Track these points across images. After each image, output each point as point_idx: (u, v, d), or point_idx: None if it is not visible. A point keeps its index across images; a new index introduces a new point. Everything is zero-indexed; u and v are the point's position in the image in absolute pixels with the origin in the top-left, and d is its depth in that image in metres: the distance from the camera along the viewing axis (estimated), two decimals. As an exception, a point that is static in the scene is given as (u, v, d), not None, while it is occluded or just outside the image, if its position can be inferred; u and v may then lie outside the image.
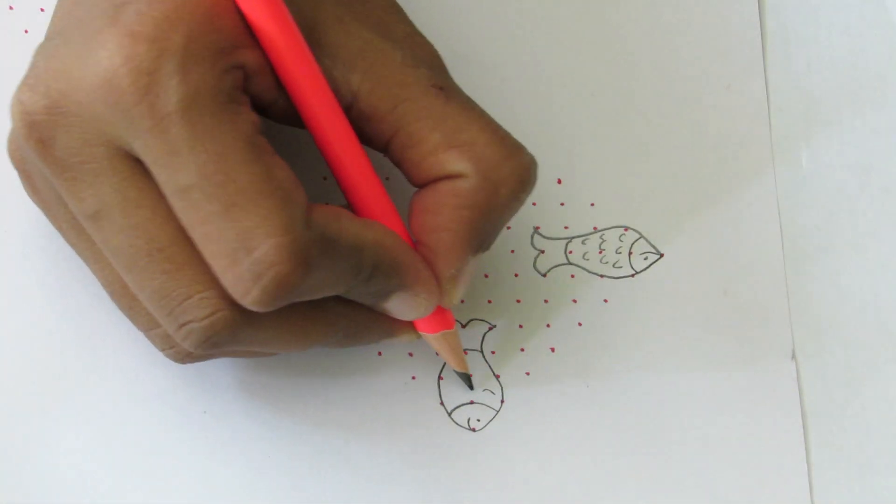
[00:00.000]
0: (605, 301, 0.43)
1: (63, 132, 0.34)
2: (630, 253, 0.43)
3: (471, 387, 0.42)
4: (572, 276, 0.43)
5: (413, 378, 0.42)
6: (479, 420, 0.42)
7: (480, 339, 0.43)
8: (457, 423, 0.42)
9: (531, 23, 0.44)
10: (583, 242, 0.43)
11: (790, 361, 0.43)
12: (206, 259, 0.34)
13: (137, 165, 0.34)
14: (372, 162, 0.37)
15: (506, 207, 0.37)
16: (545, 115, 0.44)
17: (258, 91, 0.35)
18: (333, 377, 0.42)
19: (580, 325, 0.43)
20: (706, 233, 0.43)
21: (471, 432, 0.42)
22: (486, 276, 0.43)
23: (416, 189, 0.37)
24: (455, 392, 0.42)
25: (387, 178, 0.40)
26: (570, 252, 0.43)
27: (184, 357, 0.38)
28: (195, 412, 0.42)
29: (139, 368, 0.42)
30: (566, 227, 0.43)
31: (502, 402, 0.42)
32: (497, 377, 0.42)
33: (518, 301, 0.43)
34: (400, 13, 0.38)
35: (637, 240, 0.43)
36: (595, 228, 0.43)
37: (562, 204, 0.43)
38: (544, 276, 0.43)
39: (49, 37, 0.35)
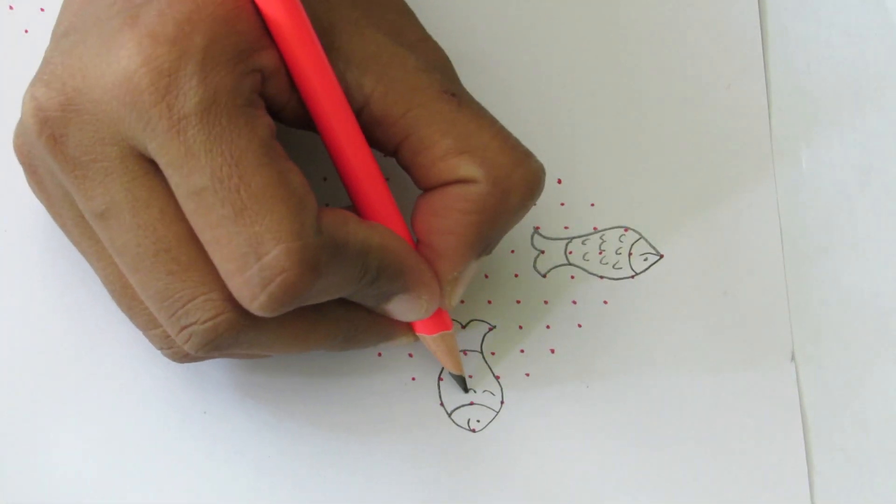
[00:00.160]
0: (605, 302, 0.43)
1: (76, 129, 0.34)
2: (630, 254, 0.43)
3: (465, 390, 0.42)
4: (572, 277, 0.43)
5: (413, 379, 0.42)
6: (479, 421, 0.42)
7: (480, 339, 0.43)
8: (457, 424, 0.42)
9: (531, 23, 0.44)
10: (583, 243, 0.43)
11: (790, 362, 0.43)
12: (214, 262, 0.34)
13: (148, 166, 0.34)
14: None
15: (513, 214, 0.37)
16: (546, 115, 0.44)
17: (272, 93, 0.35)
18: (333, 378, 0.42)
19: (580, 326, 0.43)
20: (706, 233, 0.43)
21: (471, 433, 0.42)
22: (486, 276, 0.43)
23: (419, 191, 0.37)
24: (455, 393, 0.42)
25: (387, 179, 0.40)
26: (570, 252, 0.43)
27: (182, 357, 0.38)
28: (195, 412, 0.42)
29: (139, 368, 0.42)
30: (566, 228, 0.43)
31: (502, 402, 0.42)
32: (497, 378, 0.42)
33: (518, 302, 0.43)
34: (413, 18, 0.38)
35: (637, 240, 0.43)
36: (595, 229, 0.43)
37: (562, 204, 0.43)
38: (544, 276, 0.43)
39: (63, 33, 0.35)
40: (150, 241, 0.34)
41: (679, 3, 0.44)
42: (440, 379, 0.42)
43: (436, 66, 0.37)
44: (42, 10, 0.43)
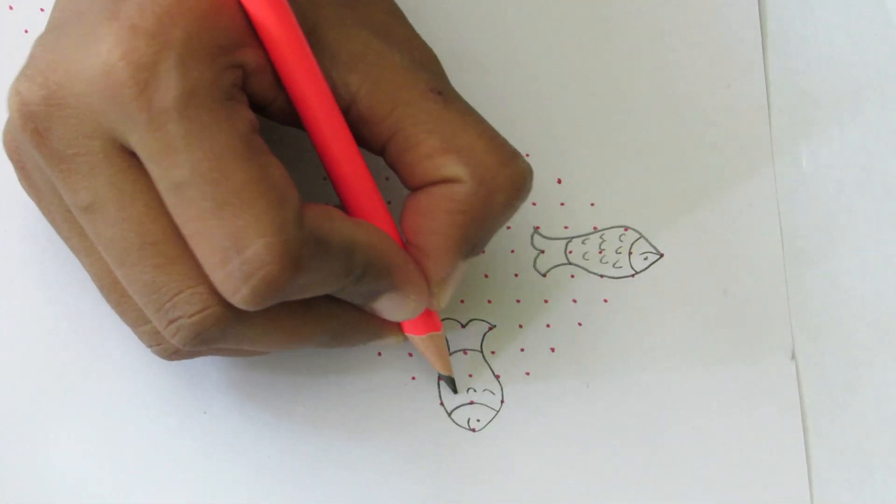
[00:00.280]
0: (605, 301, 0.43)
1: (59, 123, 0.34)
2: (630, 253, 0.43)
3: (455, 391, 0.42)
4: (572, 276, 0.43)
5: (413, 378, 0.42)
6: (479, 420, 0.42)
7: (480, 339, 0.43)
8: (457, 423, 0.42)
9: (531, 22, 0.44)
10: (583, 242, 0.43)
11: (790, 361, 0.43)
12: (197, 256, 0.34)
13: (132, 159, 0.34)
14: (369, 163, 0.37)
15: (500, 214, 0.37)
16: (545, 115, 0.44)
17: (257, 90, 0.35)
18: (333, 377, 0.42)
19: (580, 325, 0.43)
20: (706, 233, 0.43)
21: (471, 432, 0.42)
22: (486, 276, 0.43)
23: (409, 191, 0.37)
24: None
25: (386, 179, 0.40)
26: (570, 252, 0.43)
27: (171, 354, 0.38)
28: (195, 412, 0.42)
29: (139, 368, 0.42)
30: (566, 227, 0.43)
31: (502, 402, 0.42)
32: (497, 377, 0.42)
33: (518, 301, 0.43)
34: (401, 17, 0.38)
35: (637, 240, 0.43)
36: (595, 228, 0.43)
37: (562, 204, 0.43)
38: (544, 276, 0.43)
39: (48, 29, 0.35)
40: (135, 234, 0.34)
41: (679, 2, 0.44)
42: (440, 379, 0.42)
43: (423, 64, 0.37)
44: (42, 10, 0.43)
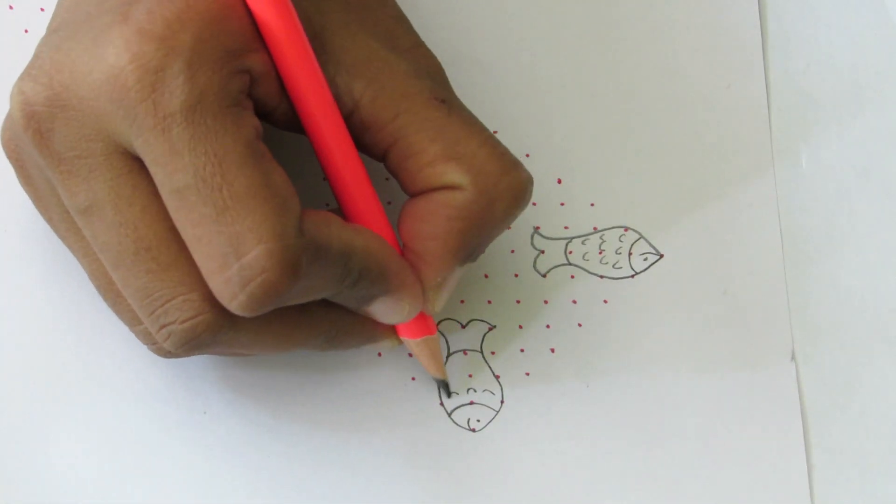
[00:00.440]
0: (605, 302, 0.43)
1: (62, 125, 0.34)
2: (630, 253, 0.43)
3: (448, 395, 0.42)
4: (572, 277, 0.43)
5: (413, 379, 0.42)
6: (479, 420, 0.42)
7: (480, 339, 0.43)
8: (457, 424, 0.42)
9: (531, 23, 0.44)
10: (583, 243, 0.43)
11: (790, 362, 0.43)
12: (196, 260, 0.34)
13: (134, 163, 0.34)
14: (368, 165, 0.37)
15: (499, 222, 0.37)
16: (545, 115, 0.43)
17: (262, 95, 0.35)
18: (333, 377, 0.42)
19: (580, 325, 0.43)
20: (706, 233, 0.43)
21: (471, 433, 0.42)
22: (486, 276, 0.43)
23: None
24: (455, 392, 0.42)
25: (386, 179, 0.40)
26: (570, 252, 0.43)
27: (166, 353, 0.38)
28: (195, 412, 0.42)
29: (139, 368, 0.42)
30: (566, 228, 0.43)
31: (502, 402, 0.42)
32: (497, 378, 0.42)
33: (518, 301, 0.43)
34: (406, 24, 0.38)
35: (637, 240, 0.43)
36: (595, 228, 0.43)
37: (562, 204, 0.43)
38: (544, 276, 0.43)
39: (54, 29, 0.35)
40: (130, 239, 0.34)
41: (679, 3, 0.44)
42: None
43: (427, 72, 0.37)
44: (42, 9, 0.43)
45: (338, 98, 0.35)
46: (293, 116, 0.36)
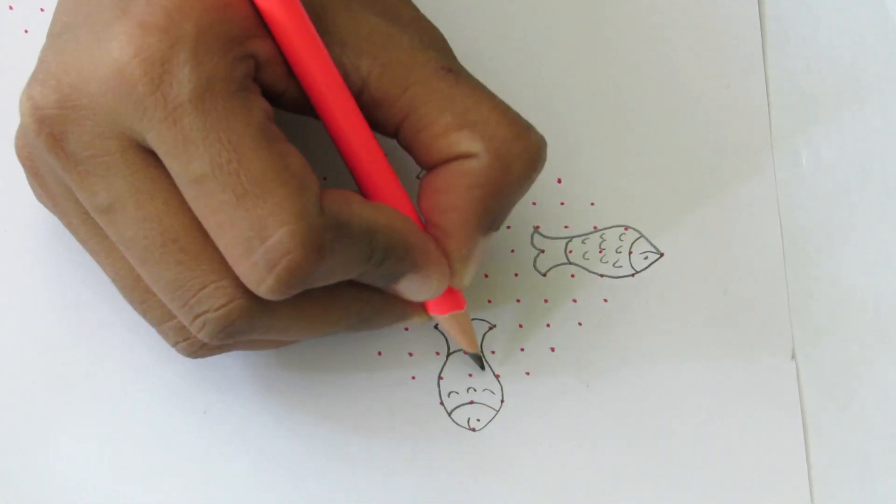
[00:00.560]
0: (605, 301, 0.43)
1: (74, 126, 0.34)
2: (630, 252, 0.43)
3: (482, 367, 0.42)
4: (572, 276, 0.43)
5: (413, 378, 0.42)
6: (479, 420, 0.42)
7: (480, 338, 0.43)
8: (457, 423, 0.42)
9: (531, 22, 0.44)
10: (583, 242, 0.43)
11: (790, 361, 0.43)
12: (220, 248, 0.34)
13: (150, 157, 0.34)
14: (384, 146, 0.37)
15: (517, 186, 0.37)
16: (545, 115, 0.44)
17: (269, 80, 0.35)
18: (333, 376, 0.42)
19: (580, 324, 0.43)
20: (706, 232, 0.43)
21: (471, 432, 0.42)
22: (486, 276, 0.43)
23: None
24: (455, 392, 0.42)
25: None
26: (570, 251, 0.43)
27: (197, 350, 0.38)
28: (196, 412, 0.42)
29: (140, 368, 0.42)
30: (566, 227, 0.43)
31: (502, 401, 0.42)
32: (497, 377, 0.42)
33: (518, 301, 0.43)
34: None
35: (637, 239, 0.43)
36: (595, 228, 0.43)
37: (562, 203, 0.43)
38: (544, 275, 0.43)
39: (56, 32, 0.35)
40: (156, 232, 0.34)
41: (679, 2, 0.44)
42: (440, 378, 0.42)
43: (431, 43, 0.37)
44: (42, 10, 0.43)
45: (346, 78, 0.36)
46: (303, 100, 0.36)
